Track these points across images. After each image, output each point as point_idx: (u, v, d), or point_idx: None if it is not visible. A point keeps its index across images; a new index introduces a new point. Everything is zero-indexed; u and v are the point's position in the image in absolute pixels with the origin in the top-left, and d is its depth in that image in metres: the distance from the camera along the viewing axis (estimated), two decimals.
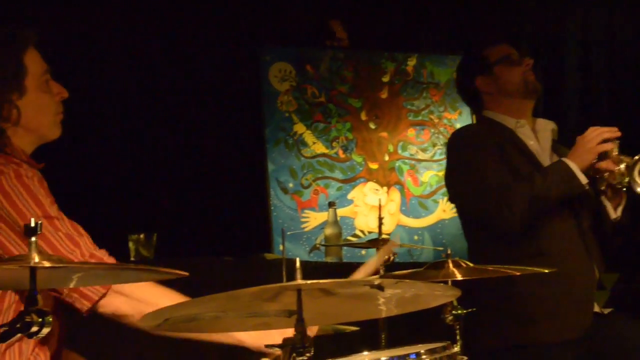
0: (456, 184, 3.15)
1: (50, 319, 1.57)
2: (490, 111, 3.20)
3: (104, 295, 2.10)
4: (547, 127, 3.17)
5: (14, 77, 2.18)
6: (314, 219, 4.58)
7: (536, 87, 3.15)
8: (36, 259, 1.55)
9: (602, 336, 2.91)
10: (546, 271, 2.54)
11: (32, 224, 1.57)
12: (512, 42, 3.25)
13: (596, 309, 2.98)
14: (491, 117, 3.19)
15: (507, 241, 2.96)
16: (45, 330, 1.57)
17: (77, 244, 2.09)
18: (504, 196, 2.89)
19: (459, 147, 3.16)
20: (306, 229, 4.55)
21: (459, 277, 2.29)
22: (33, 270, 1.56)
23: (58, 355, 2.27)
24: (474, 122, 4.82)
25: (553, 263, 2.77)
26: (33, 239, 1.57)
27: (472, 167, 3.02)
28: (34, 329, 1.57)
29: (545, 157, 3.11)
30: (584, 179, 2.89)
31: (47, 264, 1.55)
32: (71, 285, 1.92)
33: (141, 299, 2.09)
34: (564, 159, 2.92)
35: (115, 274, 1.83)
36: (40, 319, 1.56)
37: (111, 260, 2.15)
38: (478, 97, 3.21)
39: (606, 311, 3.01)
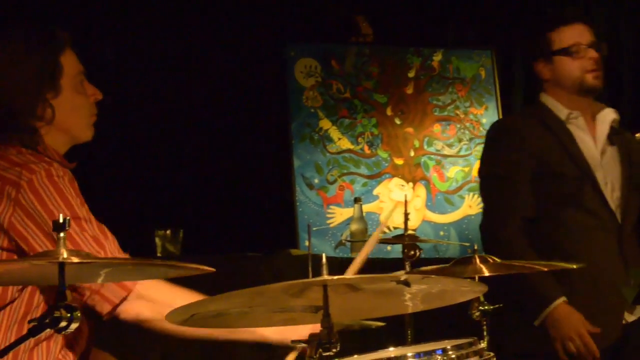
0: (484, 187, 3.15)
1: (79, 314, 1.58)
2: (546, 96, 3.11)
3: (124, 299, 2.11)
4: (606, 119, 3.09)
5: (50, 77, 2.20)
6: (339, 214, 4.58)
7: (593, 87, 3.05)
8: (65, 254, 1.57)
9: (631, 347, 2.89)
10: (574, 266, 2.52)
11: (61, 220, 1.58)
12: (585, 24, 3.09)
13: (628, 317, 2.95)
14: (545, 104, 3.10)
15: (537, 239, 2.95)
16: (74, 326, 1.59)
17: (102, 246, 2.10)
18: (504, 246, 2.90)
19: (495, 148, 3.10)
20: (332, 225, 4.55)
21: (486, 273, 2.28)
22: (62, 265, 1.58)
23: (86, 355, 2.29)
24: (500, 115, 4.82)
25: (586, 275, 2.77)
26: (62, 234, 1.58)
27: (500, 181, 3.01)
28: (63, 324, 1.58)
29: (596, 151, 3.04)
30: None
31: (75, 259, 1.56)
32: (99, 281, 1.93)
33: (163, 303, 2.09)
34: (554, 309, 2.87)
35: (142, 269, 1.84)
36: (69, 314, 1.58)
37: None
38: (537, 78, 3.12)
39: (631, 318, 2.97)
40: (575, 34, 3.05)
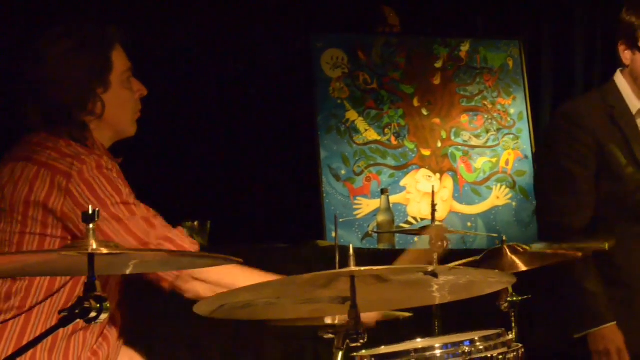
0: (540, 179, 3.10)
1: (108, 305, 1.60)
2: (623, 78, 2.94)
3: (177, 277, 2.16)
4: None
5: (100, 73, 2.24)
6: (366, 205, 4.57)
7: None
8: (94, 245, 1.58)
9: None
10: (606, 247, 2.50)
11: (90, 212, 1.59)
12: None
13: None
14: (620, 89, 2.93)
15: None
16: (104, 316, 1.60)
17: (152, 225, 2.16)
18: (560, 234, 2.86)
19: (557, 136, 2.98)
20: (358, 216, 4.55)
21: (522, 267, 2.26)
22: (91, 256, 1.59)
23: (119, 345, 2.32)
24: (528, 106, 4.78)
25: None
26: (91, 226, 1.60)
27: (559, 172, 2.92)
28: (93, 314, 1.60)
29: None
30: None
31: (104, 250, 1.58)
32: (127, 272, 1.95)
33: (220, 284, 2.13)
34: (603, 328, 2.84)
35: (170, 260, 1.85)
36: (98, 305, 1.59)
37: (188, 239, 2.21)
38: (618, 60, 2.94)
39: None
40: None
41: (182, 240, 2.19)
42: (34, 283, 2.12)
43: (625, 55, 2.91)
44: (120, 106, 2.28)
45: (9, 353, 2.05)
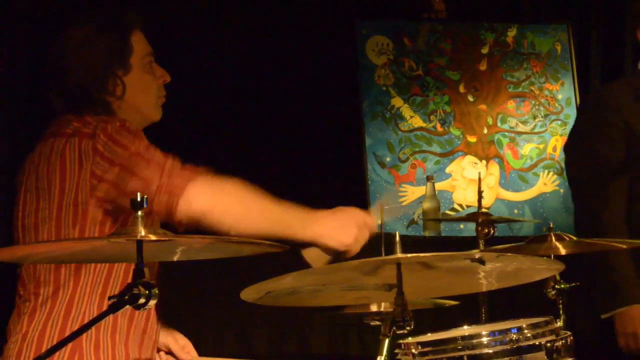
0: (570, 151, 3.09)
1: (157, 291, 1.61)
2: None
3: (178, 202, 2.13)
4: None
5: (120, 54, 2.28)
6: (411, 193, 4.56)
7: None
8: (142, 232, 1.60)
9: None
10: None
11: (139, 199, 1.61)
12: None
13: None
14: None
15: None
16: (152, 303, 1.62)
17: (167, 155, 2.17)
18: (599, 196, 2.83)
19: (587, 123, 3.04)
20: (404, 204, 4.54)
21: (562, 251, 2.24)
22: (140, 243, 1.60)
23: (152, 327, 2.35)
24: (576, 91, 4.73)
25: None
26: (139, 213, 1.61)
27: (588, 143, 2.94)
28: (141, 300, 1.61)
29: None
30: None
31: (152, 237, 1.59)
32: (175, 259, 1.96)
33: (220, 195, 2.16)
34: (629, 309, 2.81)
35: (218, 246, 1.86)
36: (147, 291, 1.61)
37: (199, 169, 2.20)
38: (636, 45, 3.05)
39: None
40: None
41: (195, 170, 2.18)
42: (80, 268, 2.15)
43: None
44: (142, 90, 2.31)
45: (57, 332, 2.10)
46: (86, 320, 2.09)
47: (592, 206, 2.92)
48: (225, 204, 2.18)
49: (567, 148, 3.18)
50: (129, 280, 2.09)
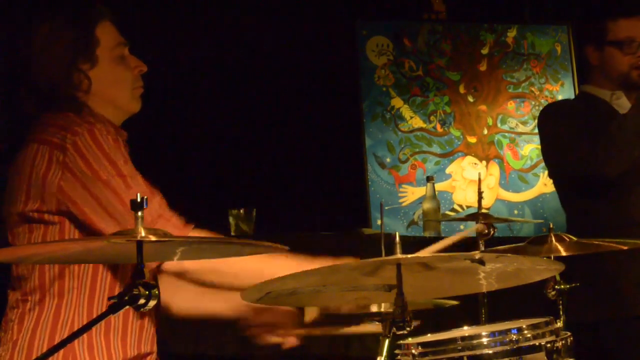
0: (551, 153, 3.14)
1: (157, 292, 1.61)
2: (589, 85, 3.16)
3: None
4: None
5: (84, 47, 2.24)
6: (411, 193, 4.56)
7: (637, 84, 3.04)
8: (142, 232, 1.59)
9: None
10: None
11: (138, 199, 1.61)
12: None
13: None
14: (588, 92, 3.14)
15: (601, 210, 2.93)
16: (152, 303, 1.62)
17: (148, 201, 2.13)
18: (597, 142, 2.88)
19: (546, 123, 3.14)
20: (404, 204, 4.54)
21: (562, 252, 2.24)
22: (140, 243, 1.60)
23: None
24: (577, 92, 4.74)
25: None
26: (139, 213, 1.61)
27: (563, 133, 3.01)
28: (141, 301, 1.61)
29: None
30: None
31: (153, 237, 1.59)
32: (175, 259, 1.96)
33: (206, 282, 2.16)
34: None
35: (217, 248, 1.86)
36: (147, 292, 1.60)
37: (180, 221, 2.17)
38: (586, 64, 3.16)
39: None
40: (631, 28, 3.04)
41: (177, 220, 2.16)
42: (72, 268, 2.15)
43: (594, 56, 3.10)
44: (114, 82, 2.28)
45: (46, 337, 2.10)
46: (76, 325, 2.10)
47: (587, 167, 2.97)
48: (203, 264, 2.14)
49: (544, 156, 3.25)
50: (117, 281, 2.11)
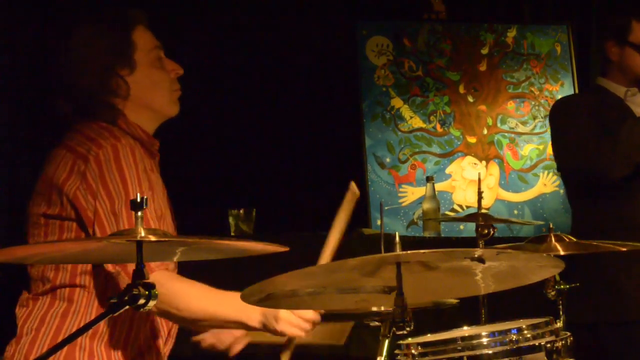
0: (559, 149, 3.15)
1: (157, 292, 1.61)
2: (604, 79, 3.15)
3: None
4: None
5: (121, 53, 2.25)
6: (411, 193, 4.56)
7: None
8: (142, 232, 1.60)
9: None
10: None
11: (138, 199, 1.61)
12: None
13: None
14: (603, 85, 3.13)
15: (605, 210, 2.93)
16: (152, 303, 1.62)
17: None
18: (604, 141, 2.88)
19: (557, 118, 3.14)
20: (404, 204, 4.54)
21: (561, 252, 2.24)
22: (139, 243, 1.60)
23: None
24: (576, 91, 4.74)
25: None
26: (139, 213, 1.61)
27: (572, 129, 3.01)
28: (141, 301, 1.61)
29: None
30: None
31: (152, 237, 1.59)
32: (175, 259, 1.96)
33: (175, 294, 2.13)
34: None
35: (216, 248, 1.86)
36: (147, 292, 1.61)
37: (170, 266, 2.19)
38: (603, 57, 3.17)
39: None
40: None
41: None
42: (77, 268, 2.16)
43: (613, 52, 3.12)
44: (152, 86, 2.28)
45: (48, 338, 2.10)
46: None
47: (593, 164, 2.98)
48: (181, 303, 2.14)
49: (554, 152, 3.26)
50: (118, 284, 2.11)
